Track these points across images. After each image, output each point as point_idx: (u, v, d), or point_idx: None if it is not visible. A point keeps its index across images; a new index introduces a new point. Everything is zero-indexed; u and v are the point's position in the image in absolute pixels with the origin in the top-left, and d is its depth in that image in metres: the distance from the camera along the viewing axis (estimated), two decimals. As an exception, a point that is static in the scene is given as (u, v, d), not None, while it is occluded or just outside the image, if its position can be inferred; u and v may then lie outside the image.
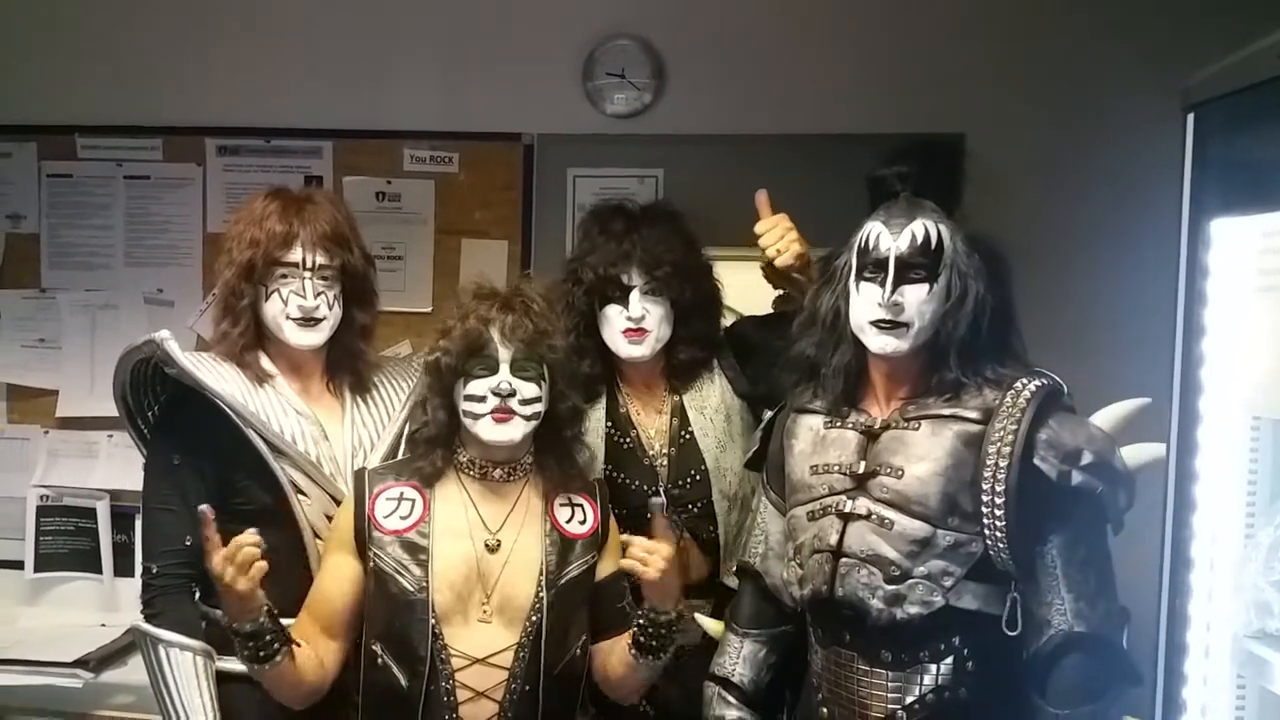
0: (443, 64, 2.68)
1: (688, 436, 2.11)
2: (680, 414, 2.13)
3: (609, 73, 2.61)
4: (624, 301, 2.04)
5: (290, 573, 1.86)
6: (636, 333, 2.04)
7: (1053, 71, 2.48)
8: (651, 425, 2.13)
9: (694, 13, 2.61)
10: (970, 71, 2.52)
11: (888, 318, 1.59)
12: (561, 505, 1.84)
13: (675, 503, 2.08)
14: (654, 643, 1.73)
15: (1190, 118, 1.49)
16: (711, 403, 2.12)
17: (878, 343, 1.61)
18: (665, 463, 2.11)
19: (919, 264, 1.59)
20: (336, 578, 1.79)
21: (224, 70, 2.71)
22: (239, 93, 2.71)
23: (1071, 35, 2.48)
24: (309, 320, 1.90)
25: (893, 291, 1.58)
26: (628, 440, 2.12)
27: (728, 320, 2.23)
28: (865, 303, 1.61)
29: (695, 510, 2.09)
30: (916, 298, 1.59)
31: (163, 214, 2.77)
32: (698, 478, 2.09)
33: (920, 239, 1.59)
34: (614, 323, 2.05)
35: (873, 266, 1.61)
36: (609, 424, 2.12)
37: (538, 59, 2.65)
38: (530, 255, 2.65)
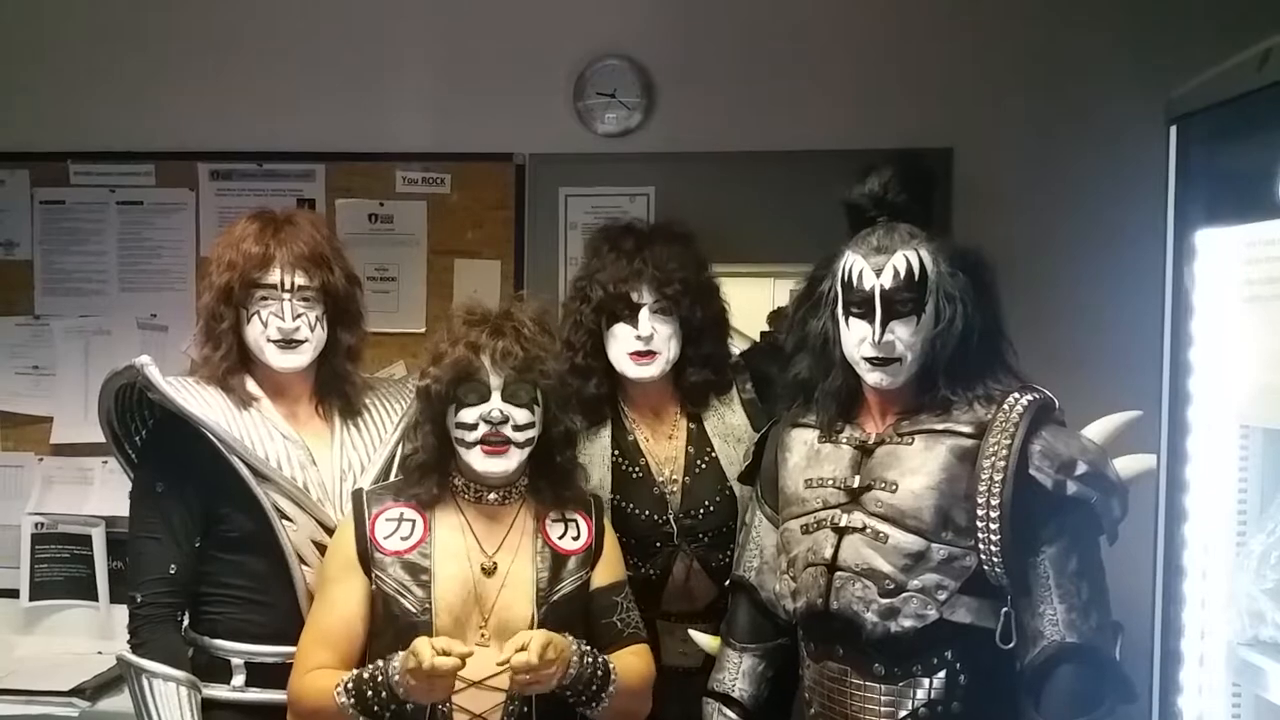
0: (434, 86, 2.69)
1: (705, 465, 2.07)
2: (698, 441, 2.08)
3: (599, 92, 2.62)
4: (633, 320, 2.01)
5: (276, 600, 1.86)
6: (645, 355, 2.01)
7: (1039, 86, 2.50)
8: (662, 452, 2.09)
9: (684, 32, 2.62)
10: (958, 87, 2.53)
11: (880, 355, 1.60)
12: (554, 521, 1.83)
13: (687, 533, 2.04)
14: (580, 699, 1.71)
15: (1173, 130, 1.51)
16: (736, 431, 2.08)
17: (872, 378, 1.63)
18: (676, 489, 2.06)
19: (905, 298, 1.59)
20: (350, 603, 1.75)
21: (215, 95, 2.71)
22: (231, 117, 2.71)
23: (1057, 50, 2.50)
24: (289, 342, 1.88)
25: (882, 331, 1.59)
26: (637, 470, 2.07)
27: (736, 342, 2.21)
28: (855, 339, 1.62)
29: (706, 540, 2.04)
30: (906, 332, 1.59)
31: (156, 239, 2.76)
32: (711, 508, 2.05)
33: (903, 273, 1.59)
34: (622, 342, 2.02)
35: (859, 304, 1.61)
36: (616, 452, 2.07)
37: (528, 79, 2.66)
38: (523, 274, 2.65)
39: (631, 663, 1.79)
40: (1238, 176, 1.41)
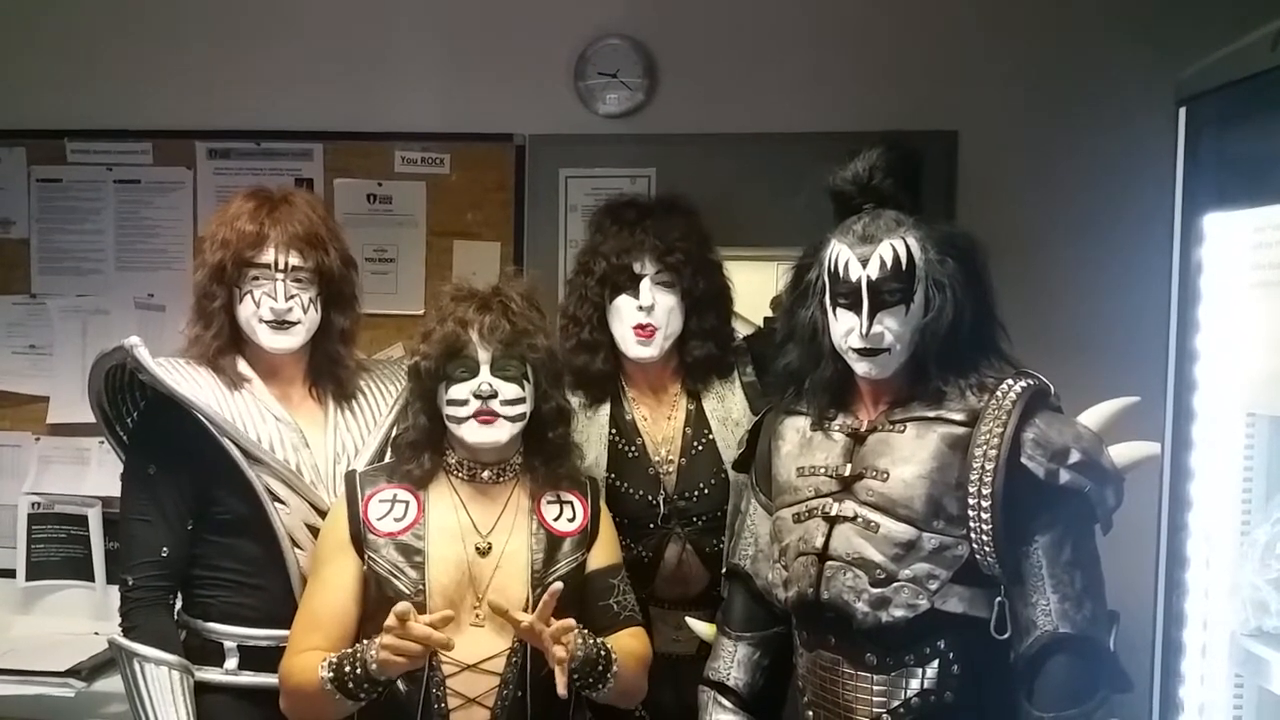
0: (434, 65, 2.66)
1: (701, 447, 2.06)
2: (696, 423, 2.07)
3: (601, 72, 2.60)
4: (635, 291, 2.00)
5: (268, 583, 1.85)
6: (646, 331, 2.00)
7: (1046, 67, 2.47)
8: (659, 433, 2.08)
9: (686, 12, 2.60)
10: (963, 69, 2.51)
11: (868, 346, 1.58)
12: (550, 503, 1.82)
13: (681, 515, 2.03)
14: (585, 682, 1.69)
15: (1183, 112, 1.48)
16: (734, 414, 2.07)
17: (860, 368, 1.61)
18: (672, 470, 2.06)
19: (892, 288, 1.56)
20: (342, 585, 1.75)
21: (214, 73, 2.69)
22: (229, 96, 2.70)
23: (1064, 31, 2.47)
24: (282, 324, 1.87)
25: (870, 322, 1.56)
26: (633, 449, 2.07)
27: (740, 327, 2.19)
28: (843, 330, 1.60)
29: (700, 523, 2.04)
30: (894, 322, 1.57)
31: (153, 218, 2.75)
32: (706, 491, 2.04)
33: (890, 263, 1.56)
34: (625, 316, 2.01)
35: (846, 295, 1.59)
36: (613, 431, 2.07)
37: (529, 59, 2.63)
38: (523, 256, 2.63)
39: (630, 645, 1.79)
40: (1248, 159, 1.39)
